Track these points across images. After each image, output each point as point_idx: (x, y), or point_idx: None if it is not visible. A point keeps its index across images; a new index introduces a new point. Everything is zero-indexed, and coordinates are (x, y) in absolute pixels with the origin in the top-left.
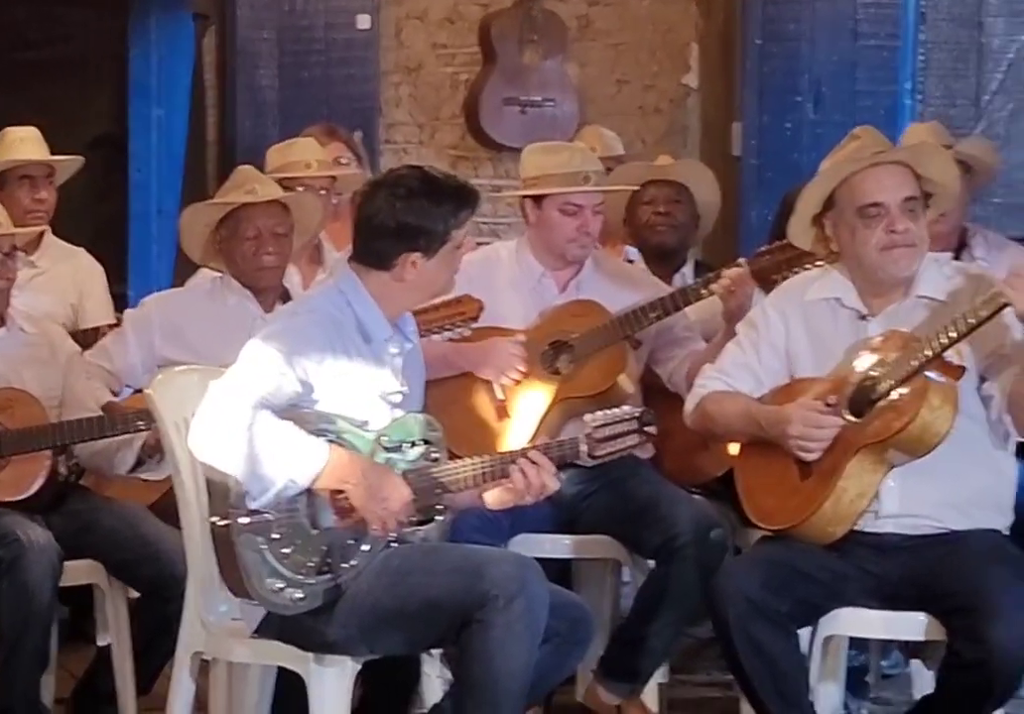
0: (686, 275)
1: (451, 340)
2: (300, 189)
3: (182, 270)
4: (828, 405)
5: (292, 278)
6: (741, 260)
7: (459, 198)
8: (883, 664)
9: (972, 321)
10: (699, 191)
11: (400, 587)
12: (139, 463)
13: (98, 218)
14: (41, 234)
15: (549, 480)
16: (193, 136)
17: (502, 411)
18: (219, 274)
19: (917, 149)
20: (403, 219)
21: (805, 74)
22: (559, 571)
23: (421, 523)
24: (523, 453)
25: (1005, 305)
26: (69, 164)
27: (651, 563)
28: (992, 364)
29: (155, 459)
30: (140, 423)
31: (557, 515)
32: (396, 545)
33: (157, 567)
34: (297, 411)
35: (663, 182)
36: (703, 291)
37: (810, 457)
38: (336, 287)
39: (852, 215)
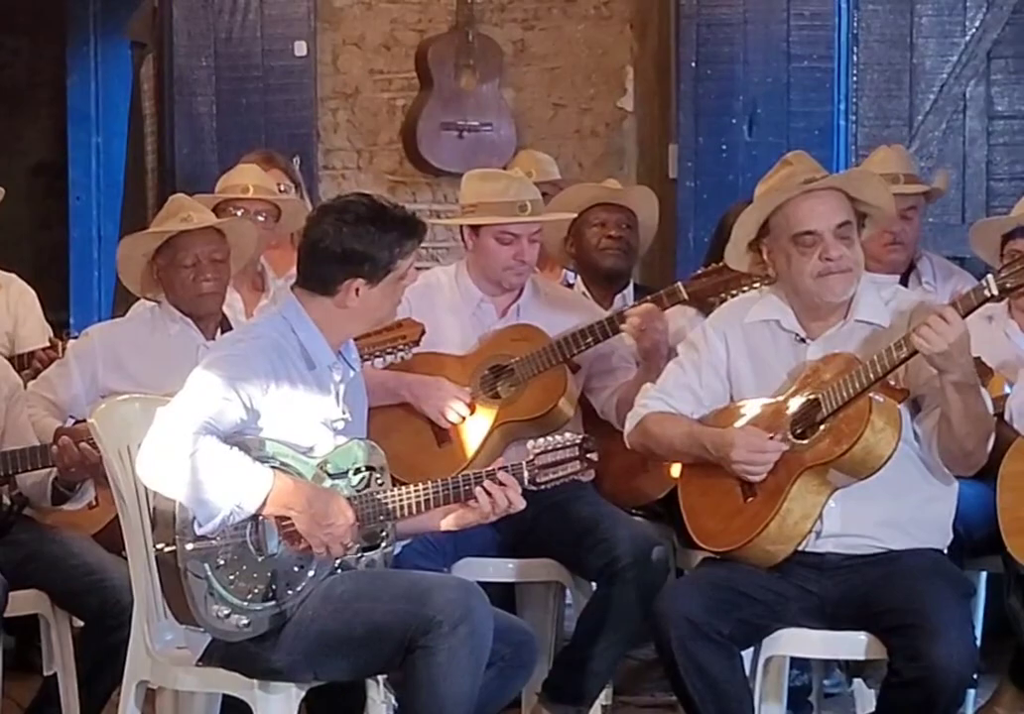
0: (627, 297)
1: (391, 364)
2: (238, 212)
3: (123, 297)
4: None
5: (235, 305)
6: (649, 296)
7: (406, 227)
8: (825, 683)
9: (886, 364)
10: (642, 216)
11: (345, 613)
12: (62, 498)
13: (39, 245)
14: None
15: (515, 498)
16: (132, 163)
17: (443, 436)
18: (155, 303)
19: (848, 176)
20: (349, 245)
21: (740, 96)
22: (502, 594)
23: (366, 549)
24: (488, 475)
25: (916, 352)
26: None
27: (593, 585)
28: (923, 395)
29: (76, 491)
30: None
31: (500, 539)
32: (341, 571)
33: (102, 596)
34: (241, 437)
35: (614, 206)
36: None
37: (755, 479)
38: (280, 314)
39: (787, 242)
